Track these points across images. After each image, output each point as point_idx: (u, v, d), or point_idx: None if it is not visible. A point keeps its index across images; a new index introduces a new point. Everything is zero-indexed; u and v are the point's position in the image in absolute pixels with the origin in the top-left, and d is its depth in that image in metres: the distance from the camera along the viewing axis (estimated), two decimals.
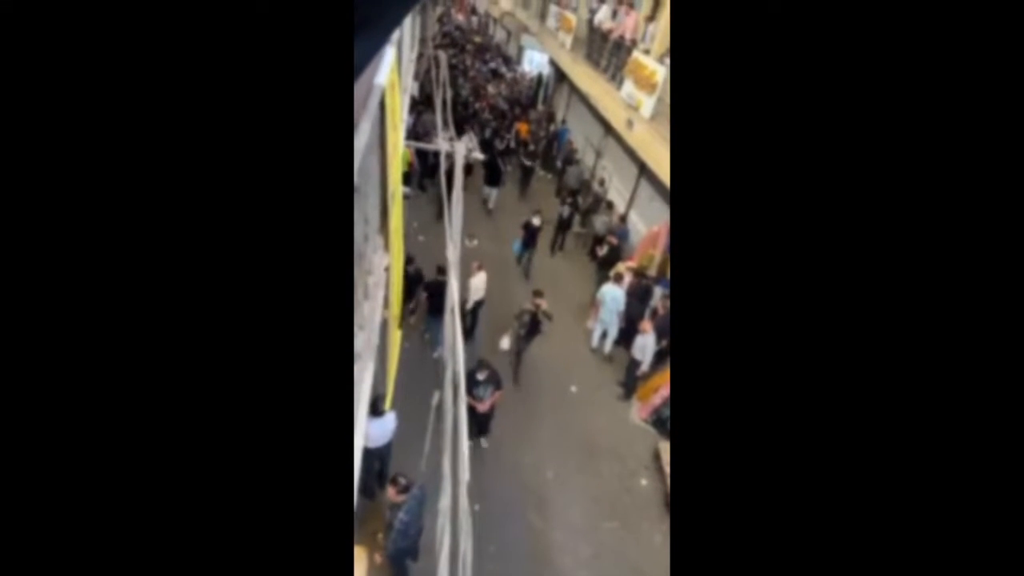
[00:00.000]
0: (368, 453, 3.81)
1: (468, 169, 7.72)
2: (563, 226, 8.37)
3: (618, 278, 6.37)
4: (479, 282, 5.99)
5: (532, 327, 5.66)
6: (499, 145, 10.01)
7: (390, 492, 3.42)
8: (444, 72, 5.67)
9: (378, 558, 3.44)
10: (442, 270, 5.27)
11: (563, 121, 12.45)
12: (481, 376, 4.72)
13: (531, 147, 10.73)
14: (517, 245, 7.63)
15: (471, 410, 4.53)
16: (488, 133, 10.35)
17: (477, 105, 11.70)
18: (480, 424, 4.93)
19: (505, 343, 5.77)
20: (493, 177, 9.24)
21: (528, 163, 10.23)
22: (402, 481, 3.39)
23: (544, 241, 7.97)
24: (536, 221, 7.38)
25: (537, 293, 5.72)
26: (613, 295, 6.16)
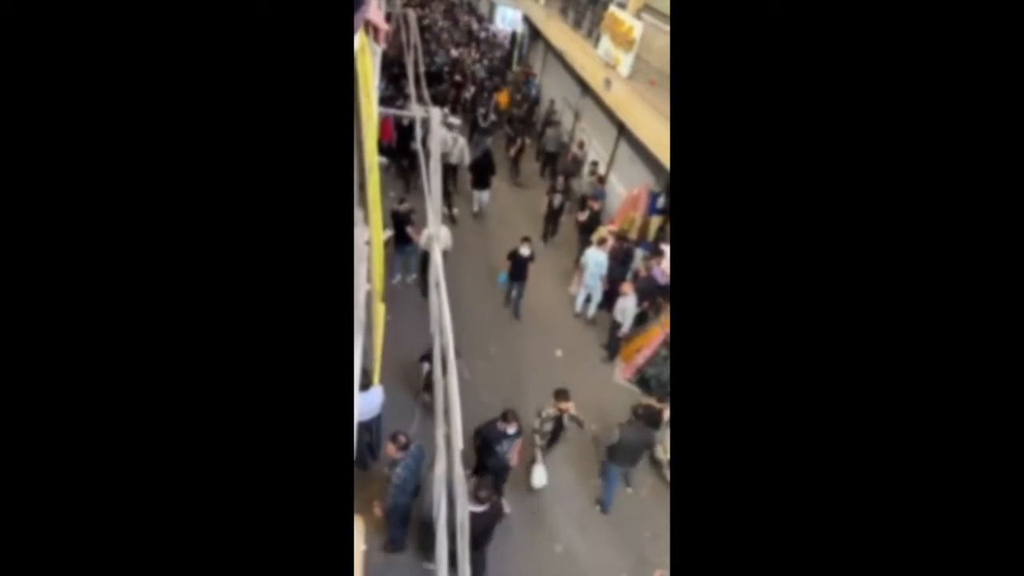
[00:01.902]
0: (359, 426, 3.86)
1: (449, 171, 7.02)
2: (555, 215, 7.75)
3: (601, 242, 6.38)
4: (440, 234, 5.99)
5: (555, 435, 4.40)
6: (483, 123, 9.19)
7: (389, 448, 3.48)
8: (414, 33, 5.41)
9: (378, 510, 3.55)
10: (402, 200, 6.25)
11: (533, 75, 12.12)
12: (511, 430, 3.85)
13: (515, 114, 10.11)
14: (503, 277, 6.22)
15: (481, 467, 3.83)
16: (481, 118, 9.27)
17: (457, 78, 10.73)
18: (477, 537, 3.40)
19: (541, 479, 4.23)
20: (483, 178, 7.76)
21: (514, 135, 9.42)
22: (401, 439, 3.46)
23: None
24: (525, 251, 5.97)
25: (561, 395, 4.28)
26: (596, 259, 6.19)
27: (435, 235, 2.18)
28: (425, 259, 6.20)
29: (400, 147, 8.09)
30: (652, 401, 4.80)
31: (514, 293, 6.34)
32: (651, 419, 4.48)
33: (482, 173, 7.78)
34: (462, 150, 7.67)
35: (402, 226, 6.05)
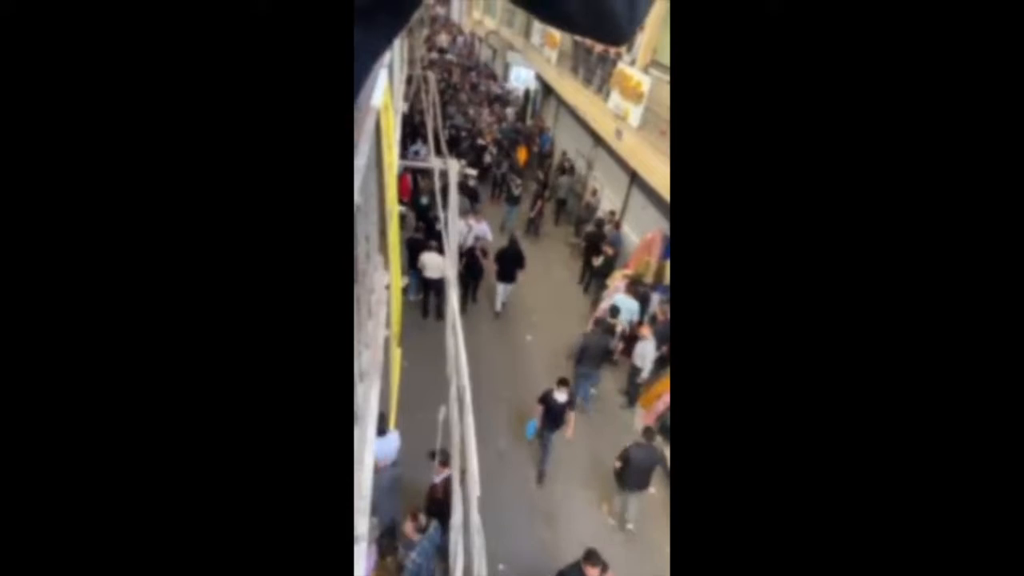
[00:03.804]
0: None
1: (470, 266, 6.51)
2: (592, 271, 7.59)
3: (630, 288, 6.39)
4: (431, 260, 6.22)
5: None
6: (515, 191, 9.06)
7: (408, 527, 3.35)
8: (434, 94, 5.74)
9: None
10: (416, 229, 6.74)
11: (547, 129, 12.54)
12: None
13: (539, 177, 10.12)
14: (532, 427, 4.95)
15: None
16: (513, 187, 9.04)
17: (479, 142, 10.64)
18: (443, 510, 3.33)
19: None
20: (509, 271, 6.61)
21: (537, 195, 9.46)
22: (421, 520, 3.32)
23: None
24: (561, 396, 4.65)
25: (591, 558, 3.54)
26: (628, 306, 6.19)
27: (452, 280, 2.23)
28: (425, 284, 6.45)
29: (424, 229, 7.20)
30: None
31: (545, 442, 4.95)
32: (608, 329, 5.89)
33: (509, 265, 6.62)
34: (476, 237, 6.99)
35: (413, 251, 6.39)
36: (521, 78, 15.64)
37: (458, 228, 6.33)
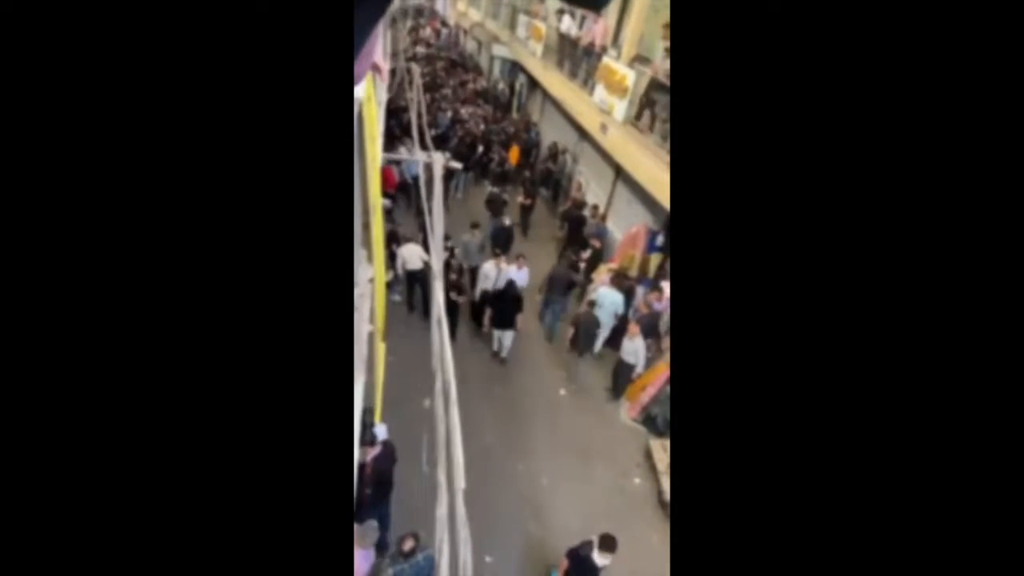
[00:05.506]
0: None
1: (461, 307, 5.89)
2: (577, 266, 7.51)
3: (615, 281, 6.42)
4: (410, 253, 6.19)
5: None
6: (503, 198, 8.82)
7: (405, 544, 3.28)
8: (418, 89, 5.67)
9: None
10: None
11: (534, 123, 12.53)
12: None
13: (528, 177, 10.00)
14: None
15: None
16: (500, 197, 8.67)
17: (467, 139, 10.42)
18: (380, 483, 3.51)
19: None
20: (507, 317, 5.84)
21: (528, 192, 9.29)
22: (408, 543, 3.24)
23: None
24: (600, 560, 3.58)
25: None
26: (613, 299, 6.21)
27: (437, 271, 2.22)
28: (410, 280, 6.36)
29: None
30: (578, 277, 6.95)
31: None
32: (572, 266, 7.05)
33: (506, 310, 5.85)
34: (498, 276, 6.27)
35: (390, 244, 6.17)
36: (506, 72, 15.54)
37: (485, 271, 6.13)
